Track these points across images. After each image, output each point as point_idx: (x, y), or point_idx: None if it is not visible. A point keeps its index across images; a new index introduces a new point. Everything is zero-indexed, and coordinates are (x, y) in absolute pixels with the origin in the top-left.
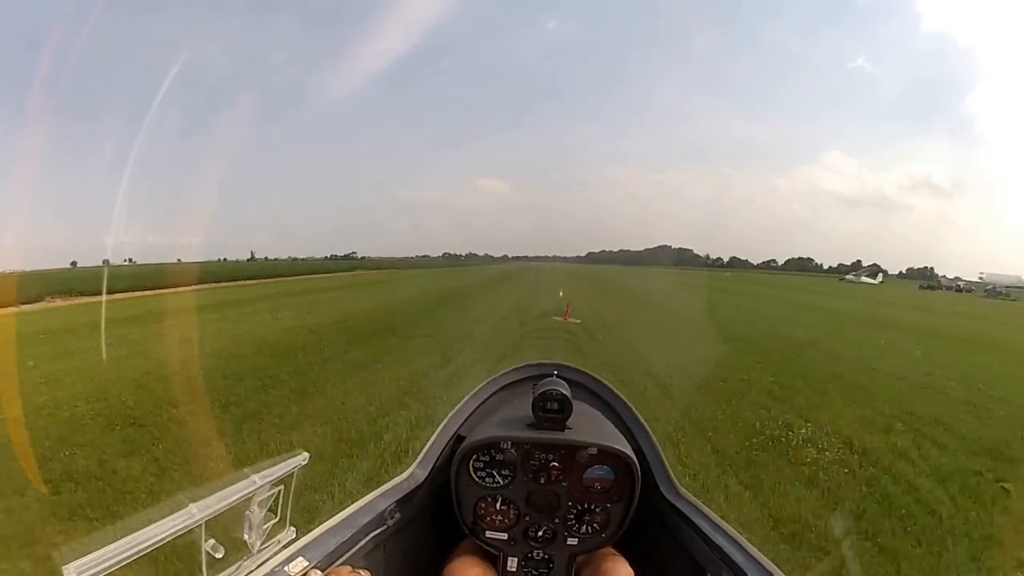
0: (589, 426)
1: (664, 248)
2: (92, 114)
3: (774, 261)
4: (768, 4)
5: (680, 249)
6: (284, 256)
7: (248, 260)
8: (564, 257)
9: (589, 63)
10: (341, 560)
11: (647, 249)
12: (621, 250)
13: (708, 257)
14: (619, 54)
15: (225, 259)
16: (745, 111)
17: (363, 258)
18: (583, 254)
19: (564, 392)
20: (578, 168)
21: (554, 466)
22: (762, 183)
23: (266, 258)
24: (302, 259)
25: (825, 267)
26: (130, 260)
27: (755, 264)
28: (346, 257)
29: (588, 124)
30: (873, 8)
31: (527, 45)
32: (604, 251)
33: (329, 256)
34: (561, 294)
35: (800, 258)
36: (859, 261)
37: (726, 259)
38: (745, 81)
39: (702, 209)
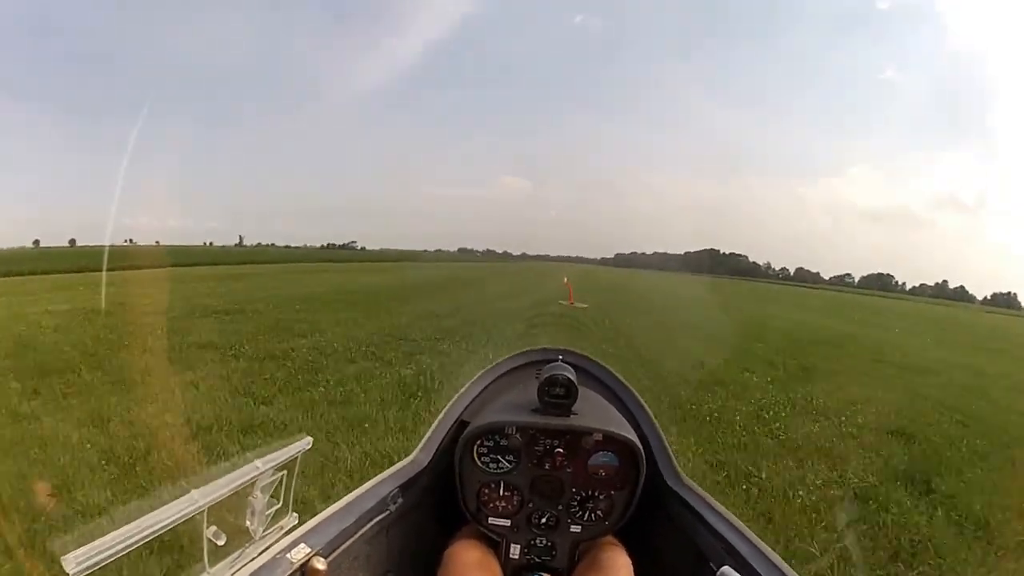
0: (594, 412)
1: (711, 253)
2: (94, 106)
3: (849, 276)
4: (801, 14)
5: (731, 255)
6: (280, 243)
7: (236, 246)
8: (588, 259)
9: (617, 66)
10: (344, 546)
11: (688, 253)
12: (656, 253)
13: (769, 267)
14: (647, 59)
15: (211, 243)
16: (782, 119)
17: (362, 249)
18: (610, 255)
19: (570, 377)
20: (604, 169)
21: (559, 452)
22: (825, 187)
23: (259, 244)
24: (295, 247)
25: (908, 287)
26: (130, 240)
27: (826, 279)
28: (344, 247)
29: (614, 126)
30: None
31: (554, 43)
32: (635, 253)
33: (326, 245)
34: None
35: (880, 274)
36: (945, 282)
37: (792, 270)
38: (780, 89)
39: (752, 215)
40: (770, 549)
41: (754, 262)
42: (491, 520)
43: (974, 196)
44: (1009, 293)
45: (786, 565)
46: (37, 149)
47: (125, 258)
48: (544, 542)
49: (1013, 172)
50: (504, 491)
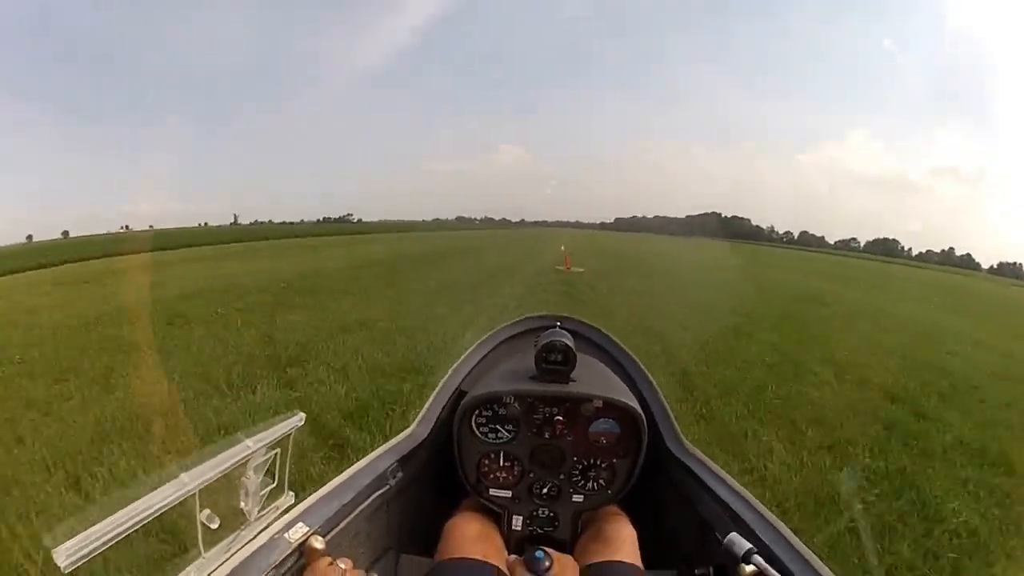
0: (594, 379)
1: (712, 215)
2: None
3: (855, 240)
4: None
5: (734, 218)
6: (274, 220)
7: (232, 224)
8: (588, 223)
9: (617, 35)
10: (343, 523)
11: (689, 216)
12: (656, 216)
13: (772, 230)
14: (648, 28)
15: (207, 224)
16: (783, 87)
17: (358, 221)
18: (610, 220)
19: (568, 343)
20: (603, 137)
21: (558, 420)
22: (829, 152)
23: (256, 221)
24: (294, 223)
25: (914, 253)
26: (126, 227)
27: (831, 243)
28: (340, 220)
29: (614, 94)
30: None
31: (549, 13)
32: (636, 217)
33: (321, 219)
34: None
35: (886, 239)
36: (952, 249)
37: (796, 234)
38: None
39: (754, 179)
40: (774, 516)
41: (757, 226)
42: (492, 492)
43: (980, 165)
44: (1015, 263)
45: (791, 533)
46: (25, 147)
47: (135, 244)
48: (546, 513)
49: None
50: (504, 461)
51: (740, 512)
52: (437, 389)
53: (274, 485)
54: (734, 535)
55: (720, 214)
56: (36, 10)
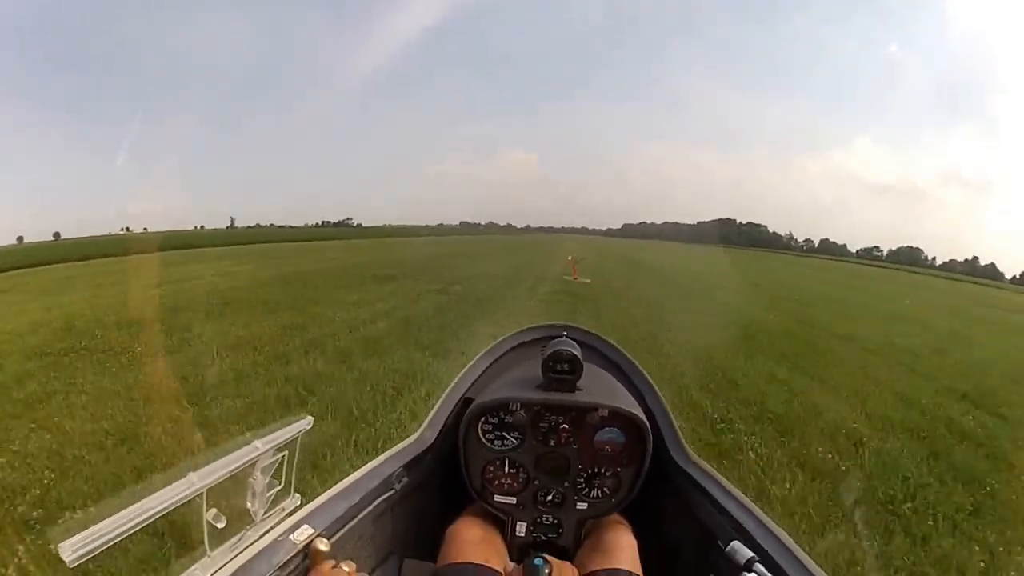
0: (600, 388)
1: (727, 222)
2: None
3: (878, 249)
4: None
5: (749, 224)
6: (270, 223)
7: (228, 228)
8: (594, 230)
9: (624, 41)
10: (348, 526)
11: (701, 223)
12: (667, 222)
13: (791, 237)
14: (655, 34)
15: (202, 227)
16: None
17: (358, 225)
18: (617, 226)
19: (575, 352)
20: (610, 141)
21: (564, 428)
22: (846, 157)
23: (257, 224)
24: (290, 227)
25: (938, 263)
26: (126, 228)
27: (853, 251)
28: (339, 224)
29: (621, 100)
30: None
31: (558, 15)
32: (644, 223)
33: (321, 223)
34: None
35: (910, 248)
36: (976, 258)
37: (816, 242)
38: (791, 64)
39: (772, 184)
40: (777, 526)
41: (775, 232)
42: (496, 498)
43: (1007, 173)
44: None
45: (793, 542)
46: (13, 147)
47: (145, 244)
48: (550, 519)
49: None
50: (509, 468)
51: (742, 521)
52: (444, 395)
53: (281, 487)
54: (736, 543)
55: (735, 220)
56: (20, 10)
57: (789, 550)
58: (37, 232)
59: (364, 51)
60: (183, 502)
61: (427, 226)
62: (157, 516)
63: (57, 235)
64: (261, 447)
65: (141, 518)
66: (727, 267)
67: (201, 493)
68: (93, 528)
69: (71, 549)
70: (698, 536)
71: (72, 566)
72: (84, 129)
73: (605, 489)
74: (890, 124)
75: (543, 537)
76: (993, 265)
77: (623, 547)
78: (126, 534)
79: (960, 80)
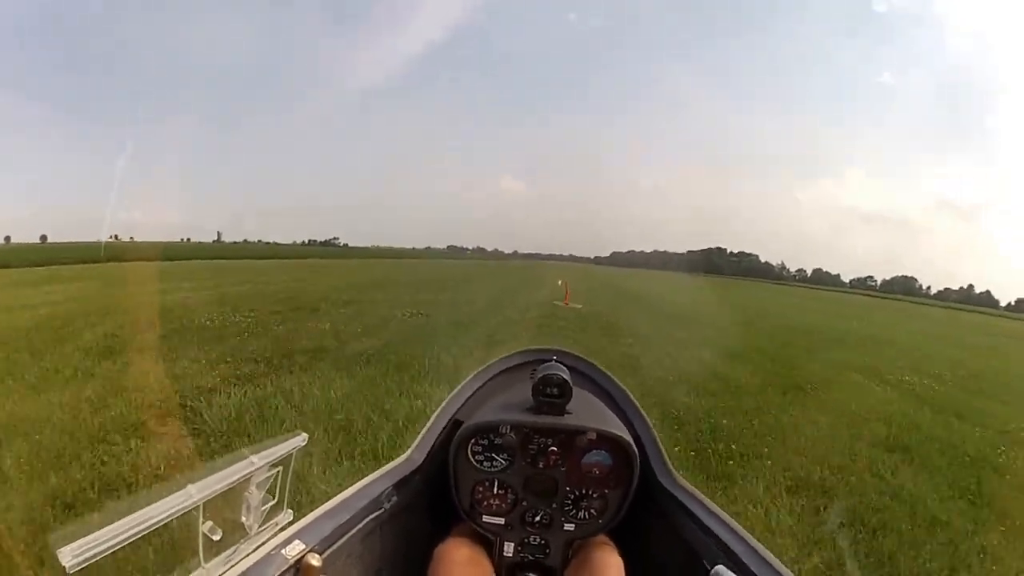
0: (588, 411)
1: (717, 252)
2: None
3: (872, 279)
4: (798, 15)
5: (740, 254)
6: (256, 239)
7: (214, 242)
8: (582, 257)
9: (614, 64)
10: (338, 543)
11: (691, 252)
12: (655, 251)
13: (783, 267)
14: (646, 59)
15: (188, 239)
16: (787, 119)
17: (345, 245)
18: (605, 254)
19: (564, 376)
20: (598, 167)
21: (553, 451)
22: (841, 186)
23: (246, 240)
24: (279, 244)
25: (933, 292)
26: (115, 236)
27: (846, 282)
28: (326, 243)
29: (611, 124)
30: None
31: (550, 40)
32: (633, 251)
33: (308, 241)
34: None
35: (904, 277)
36: (971, 286)
37: (809, 271)
38: (782, 90)
39: (763, 213)
40: (764, 548)
41: (766, 262)
42: (485, 518)
43: (1001, 201)
44: None
45: (781, 564)
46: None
47: (130, 252)
48: (538, 540)
49: None
50: (498, 490)
51: (729, 543)
52: (433, 417)
53: (274, 502)
54: (720, 567)
55: (726, 250)
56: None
57: (778, 572)
58: (25, 234)
59: (360, 71)
60: (181, 514)
61: (413, 248)
62: (156, 526)
63: (44, 237)
64: (257, 462)
65: (141, 527)
66: (713, 297)
67: (198, 505)
68: (94, 535)
69: (71, 555)
70: (684, 558)
71: (71, 572)
72: (84, 129)
73: (592, 511)
74: (883, 153)
75: (530, 557)
76: (988, 293)
77: (609, 568)
78: (126, 542)
79: (955, 105)
